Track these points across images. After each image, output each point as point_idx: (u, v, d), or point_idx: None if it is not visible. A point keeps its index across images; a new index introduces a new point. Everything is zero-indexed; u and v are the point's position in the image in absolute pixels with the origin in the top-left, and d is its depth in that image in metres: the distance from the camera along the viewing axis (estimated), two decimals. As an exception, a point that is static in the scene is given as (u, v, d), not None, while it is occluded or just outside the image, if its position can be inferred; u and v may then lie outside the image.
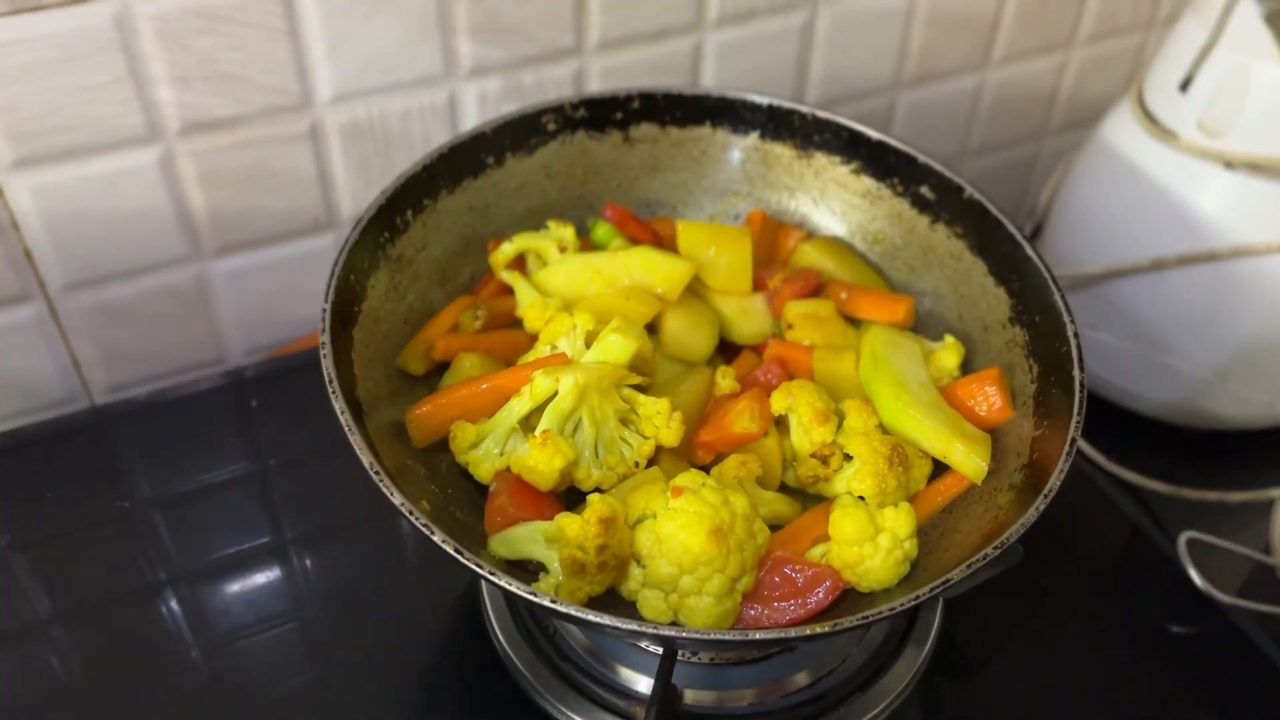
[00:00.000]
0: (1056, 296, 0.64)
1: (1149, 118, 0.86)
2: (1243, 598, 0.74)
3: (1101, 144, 0.91)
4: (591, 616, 0.50)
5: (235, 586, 0.72)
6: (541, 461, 0.58)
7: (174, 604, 0.71)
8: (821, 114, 0.75)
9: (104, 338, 0.85)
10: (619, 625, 0.50)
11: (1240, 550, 0.79)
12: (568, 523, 0.55)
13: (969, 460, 0.62)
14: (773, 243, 0.76)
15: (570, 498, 0.60)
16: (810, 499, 0.63)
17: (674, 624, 0.56)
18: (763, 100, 0.75)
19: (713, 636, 0.54)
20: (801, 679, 0.66)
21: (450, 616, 0.71)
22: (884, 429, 0.63)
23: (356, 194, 0.87)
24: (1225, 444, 0.94)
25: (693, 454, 0.63)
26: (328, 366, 0.58)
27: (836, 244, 0.76)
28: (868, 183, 0.75)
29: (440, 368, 0.68)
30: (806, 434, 0.62)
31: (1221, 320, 0.85)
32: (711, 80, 0.95)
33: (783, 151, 0.77)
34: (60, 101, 0.73)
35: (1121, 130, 0.89)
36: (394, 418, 0.63)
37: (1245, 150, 0.80)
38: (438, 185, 0.70)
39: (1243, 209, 0.82)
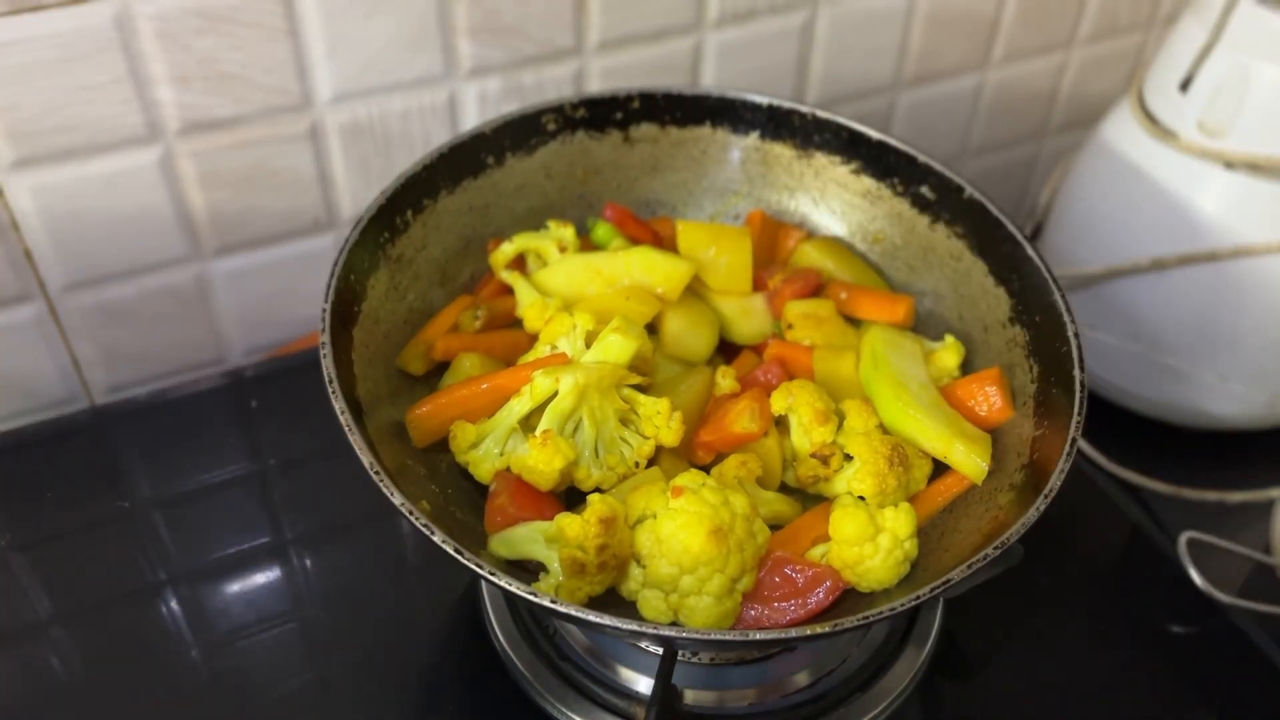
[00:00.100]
0: (1056, 296, 0.64)
1: (1149, 118, 0.86)
2: (1243, 598, 0.74)
3: (1101, 144, 0.91)
4: (591, 616, 0.50)
5: (235, 586, 0.72)
6: (541, 461, 0.58)
7: (174, 604, 0.71)
8: (821, 114, 0.75)
9: (104, 338, 0.85)
10: (619, 625, 0.50)
11: (1240, 550, 0.79)
12: (568, 523, 0.55)
13: (969, 460, 0.62)
14: (773, 243, 0.76)
15: (570, 498, 0.60)
16: (810, 499, 0.63)
17: (674, 624, 0.56)
18: (763, 100, 0.75)
19: (713, 636, 0.54)
20: (801, 679, 0.66)
21: (450, 616, 0.71)
22: (884, 429, 0.63)
23: (356, 194, 0.87)
24: (1225, 444, 0.94)
25: (693, 454, 0.63)
26: (328, 366, 0.58)
27: (836, 244, 0.76)
28: (868, 183, 0.75)
29: (440, 368, 0.67)
30: (806, 434, 0.62)
31: (1221, 320, 0.85)
32: (711, 80, 0.95)
33: (783, 151, 0.77)
34: (60, 101, 0.73)
35: (1121, 130, 0.89)
36: (394, 418, 0.63)
37: (1245, 150, 0.80)
38: (438, 185, 0.70)
39: (1243, 209, 0.82)
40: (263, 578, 0.73)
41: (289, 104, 0.80)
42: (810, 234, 0.77)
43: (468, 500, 0.61)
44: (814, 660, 0.67)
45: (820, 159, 0.76)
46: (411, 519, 0.52)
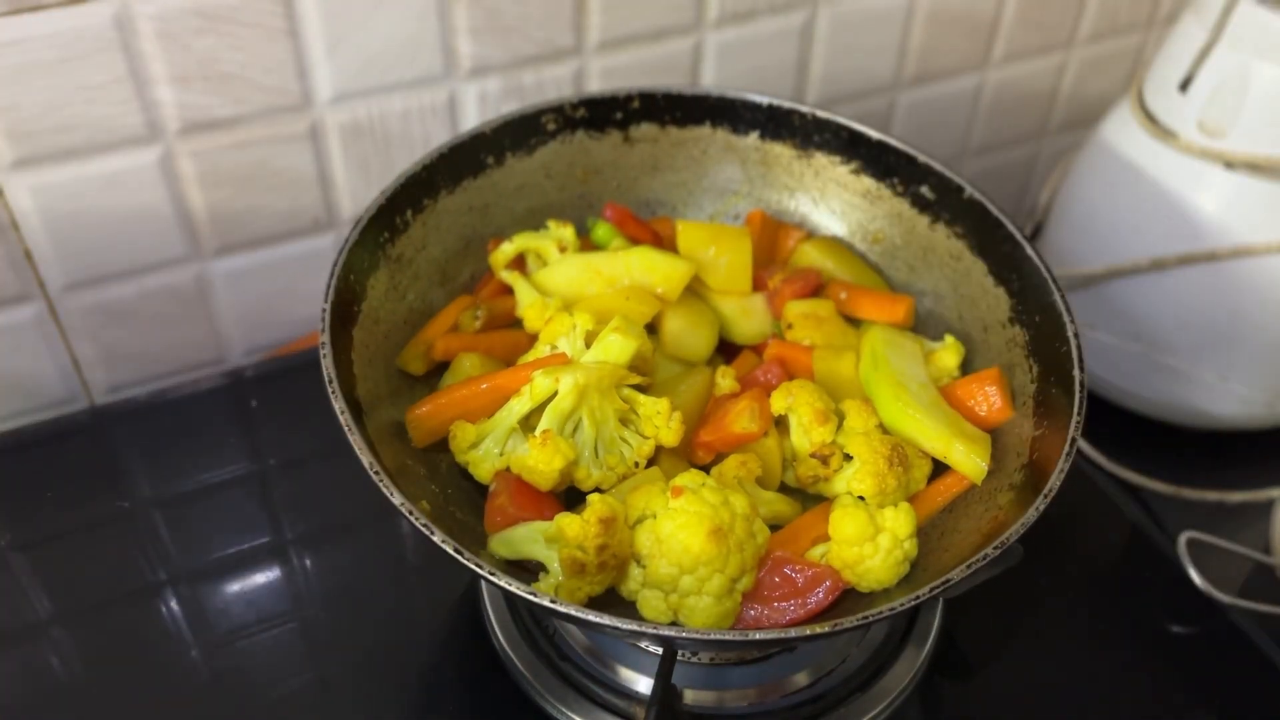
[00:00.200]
0: (1056, 296, 0.64)
1: (1149, 118, 0.86)
2: (1243, 598, 0.74)
3: (1101, 144, 0.91)
4: (591, 616, 0.50)
5: (235, 586, 0.72)
6: (541, 461, 0.58)
7: (174, 604, 0.71)
8: (821, 114, 0.75)
9: (104, 338, 0.85)
10: (619, 625, 0.50)
11: (1240, 550, 0.79)
12: (568, 523, 0.55)
13: (969, 460, 0.62)
14: (773, 243, 0.76)
15: (570, 498, 0.60)
16: (810, 499, 0.63)
17: (674, 624, 0.56)
18: (763, 100, 0.75)
19: (713, 636, 0.54)
20: (801, 679, 0.66)
21: (450, 616, 0.71)
22: (884, 429, 0.63)
23: (356, 194, 0.87)
24: (1225, 444, 0.94)
25: (693, 454, 0.63)
26: (328, 366, 0.58)
27: (836, 244, 0.76)
28: (868, 182, 0.75)
29: (440, 368, 0.67)
30: (806, 434, 0.62)
31: (1221, 320, 0.85)
32: (711, 80, 0.95)
33: (783, 151, 0.77)
34: (60, 101, 0.73)
35: (1121, 130, 0.89)
36: (394, 418, 0.63)
37: (1245, 150, 0.80)
38: (438, 185, 0.70)
39: (1243, 209, 0.82)
40: (263, 578, 0.73)
41: (289, 104, 0.80)
42: (810, 234, 0.77)
43: (468, 500, 0.61)
44: (814, 660, 0.67)
45: (820, 159, 0.76)
46: (411, 519, 0.52)
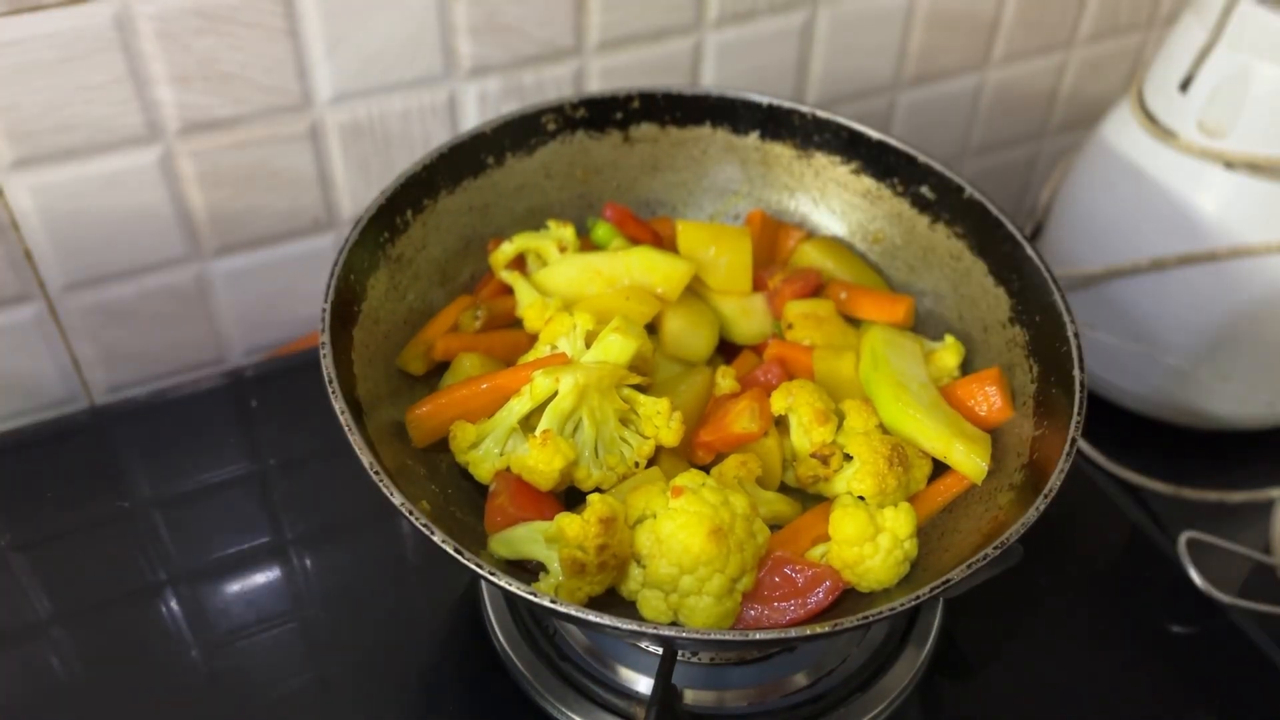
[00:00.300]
0: (1056, 296, 0.64)
1: (1149, 118, 0.86)
2: (1243, 598, 0.74)
3: (1101, 144, 0.91)
4: (591, 616, 0.50)
5: (235, 586, 0.72)
6: (541, 461, 0.58)
7: (174, 604, 0.71)
8: (821, 114, 0.75)
9: (104, 338, 0.85)
10: (619, 625, 0.50)
11: (1240, 550, 0.79)
12: (568, 523, 0.55)
13: (969, 460, 0.62)
14: (773, 243, 0.76)
15: (570, 498, 0.60)
16: (810, 499, 0.63)
17: (674, 624, 0.56)
18: (763, 100, 0.75)
19: (713, 636, 0.54)
20: (801, 679, 0.66)
21: (450, 616, 0.71)
22: (884, 429, 0.63)
23: (356, 194, 0.87)
24: (1225, 444, 0.94)
25: (693, 454, 0.63)
26: (328, 366, 0.58)
27: (836, 244, 0.76)
28: (868, 182, 0.75)
29: (440, 368, 0.67)
30: (806, 434, 0.62)
31: (1221, 320, 0.85)
32: (711, 80, 0.95)
33: (783, 151, 0.77)
34: (60, 101, 0.73)
35: (1121, 130, 0.89)
36: (394, 418, 0.63)
37: (1245, 150, 0.80)
38: (438, 185, 0.70)
39: (1243, 209, 0.82)
40: (263, 578, 0.73)
41: (289, 104, 0.80)
42: (810, 234, 0.77)
43: (468, 500, 0.61)
44: (814, 660, 0.67)
45: (820, 159, 0.76)
46: (411, 519, 0.52)
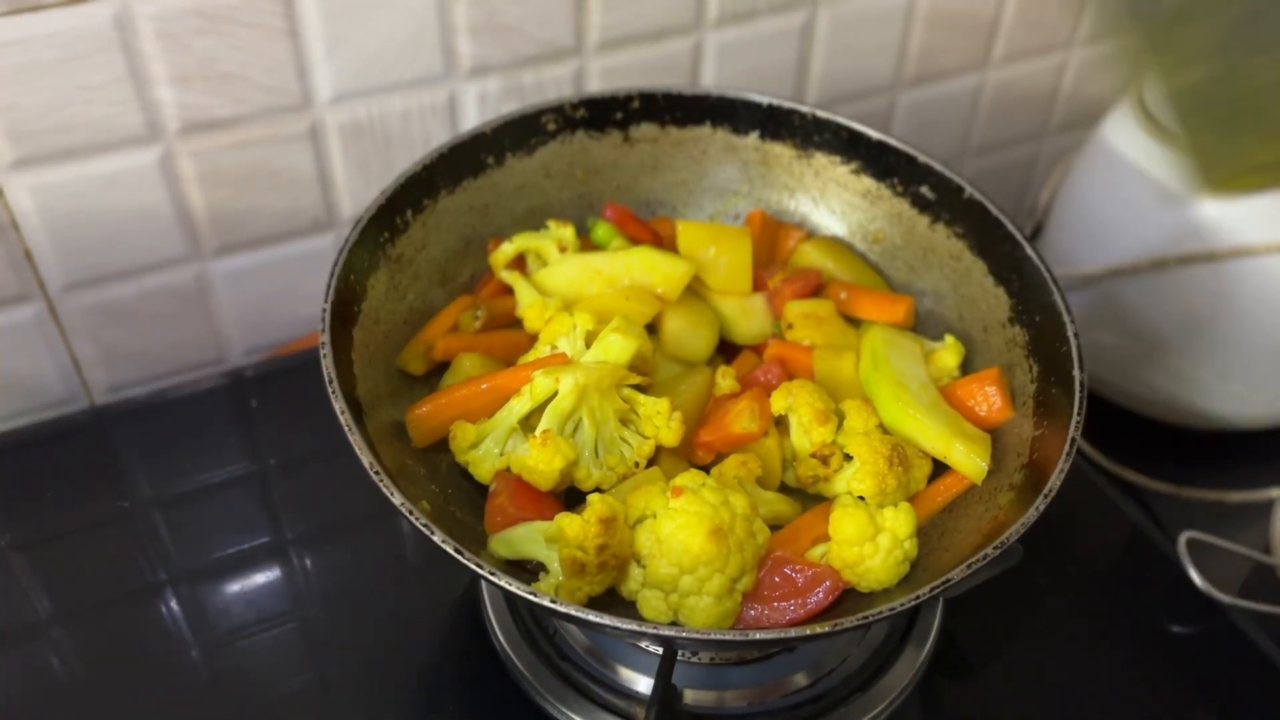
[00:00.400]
0: (1056, 296, 0.64)
1: (1149, 118, 0.86)
2: (1243, 598, 0.74)
3: (1101, 144, 0.91)
4: (591, 616, 0.50)
5: (235, 586, 0.72)
6: (541, 461, 0.58)
7: (174, 604, 0.71)
8: (821, 114, 0.75)
9: (104, 338, 0.85)
10: (619, 625, 0.50)
11: (1240, 550, 0.79)
12: (568, 523, 0.55)
13: (969, 460, 0.62)
14: (773, 243, 0.76)
15: (570, 498, 0.60)
16: (810, 499, 0.63)
17: (674, 624, 0.56)
18: (762, 100, 0.75)
19: (713, 636, 0.54)
20: (801, 679, 0.66)
21: (450, 616, 0.71)
22: (884, 429, 0.63)
23: (356, 194, 0.87)
24: (1225, 444, 0.94)
25: (693, 454, 0.63)
26: (328, 366, 0.58)
27: (836, 244, 0.76)
28: (868, 182, 0.75)
29: (440, 368, 0.67)
30: (806, 434, 0.62)
31: (1221, 320, 0.85)
32: (711, 80, 0.95)
33: (783, 151, 0.77)
34: (60, 101, 0.73)
35: (1121, 130, 0.89)
36: (394, 418, 0.63)
37: (1245, 150, 0.80)
38: (438, 185, 0.70)
39: (1243, 209, 0.81)
40: (263, 578, 0.73)
41: (289, 104, 0.80)
42: (810, 234, 0.77)
43: (468, 500, 0.61)
44: (814, 660, 0.67)
45: (820, 159, 0.76)
46: (411, 519, 0.52)
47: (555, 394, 0.60)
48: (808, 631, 0.51)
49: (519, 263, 0.73)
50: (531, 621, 0.68)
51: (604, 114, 0.75)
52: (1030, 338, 0.66)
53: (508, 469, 0.60)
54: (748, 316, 0.71)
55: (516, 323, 0.69)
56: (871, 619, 0.51)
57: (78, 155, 0.75)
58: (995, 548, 0.53)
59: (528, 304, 0.68)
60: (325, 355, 0.58)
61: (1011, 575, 0.60)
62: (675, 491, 0.56)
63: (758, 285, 0.72)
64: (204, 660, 0.68)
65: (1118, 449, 0.90)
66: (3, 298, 0.79)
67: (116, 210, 0.79)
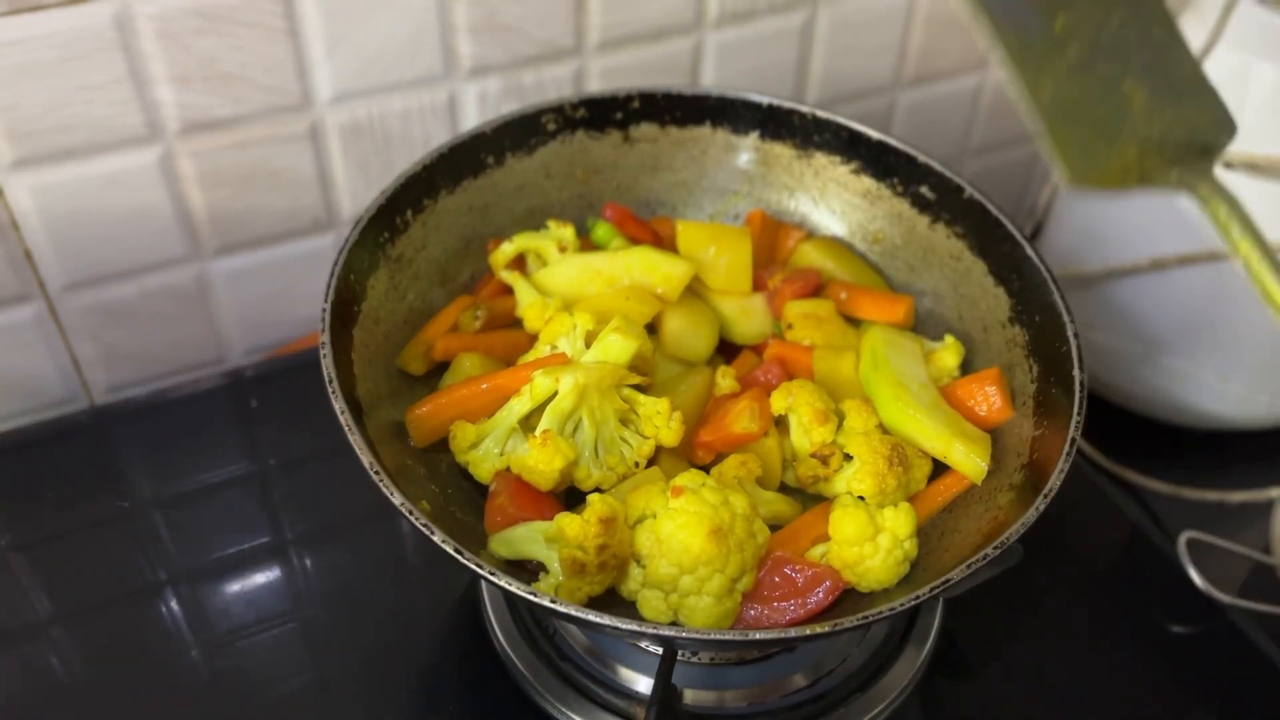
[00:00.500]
0: (1056, 296, 0.64)
1: (1149, 118, 0.86)
2: (1243, 598, 0.74)
3: (1101, 144, 0.91)
4: (591, 616, 0.50)
5: (235, 586, 0.72)
6: (541, 461, 0.58)
7: (174, 604, 0.71)
8: (821, 114, 0.75)
9: (104, 338, 0.85)
10: (619, 625, 0.50)
11: (1240, 550, 0.79)
12: (568, 523, 0.55)
13: (969, 460, 0.62)
14: (773, 243, 0.76)
15: (570, 498, 0.60)
16: (810, 499, 0.63)
17: (674, 624, 0.56)
18: (762, 100, 0.75)
19: (713, 636, 0.54)
20: (801, 679, 0.66)
21: (450, 616, 0.71)
22: (884, 429, 0.63)
23: (356, 194, 0.87)
24: (1225, 444, 0.94)
25: (693, 454, 0.63)
26: (328, 366, 0.58)
27: (836, 244, 0.76)
28: (867, 182, 0.75)
29: (440, 368, 0.68)
30: (806, 434, 0.62)
31: (1221, 320, 0.85)
32: (711, 80, 0.95)
33: (783, 151, 0.77)
34: (60, 101, 0.73)
35: (1121, 130, 0.89)
36: (394, 418, 0.63)
37: (1245, 150, 0.80)
38: (438, 185, 0.70)
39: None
40: (263, 578, 0.73)
41: (289, 104, 0.80)
42: (810, 234, 0.77)
43: (468, 500, 0.61)
44: (814, 660, 0.67)
45: (820, 159, 0.76)
46: (411, 519, 0.52)
47: (555, 394, 0.60)
48: (808, 631, 0.51)
49: (519, 263, 0.73)
50: (531, 621, 0.68)
51: (604, 114, 0.75)
52: (1030, 338, 0.66)
53: (508, 469, 0.60)
54: (748, 316, 0.71)
55: (516, 323, 0.69)
56: (871, 619, 0.51)
57: (78, 155, 0.75)
58: (995, 548, 0.53)
59: (528, 304, 0.68)
60: (325, 355, 0.58)
61: (1011, 575, 0.60)
62: (675, 491, 0.56)
63: (758, 285, 0.72)
64: (204, 660, 0.68)
65: (1118, 449, 0.90)
66: (3, 298, 0.79)
67: (116, 210, 0.79)
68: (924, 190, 0.73)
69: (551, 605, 0.50)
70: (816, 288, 0.72)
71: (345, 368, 0.60)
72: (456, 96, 0.85)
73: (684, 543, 0.54)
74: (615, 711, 0.64)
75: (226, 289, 0.87)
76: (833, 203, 0.77)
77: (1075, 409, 0.59)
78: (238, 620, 0.70)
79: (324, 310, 0.60)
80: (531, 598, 0.50)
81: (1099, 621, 0.73)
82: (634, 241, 0.73)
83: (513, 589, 0.51)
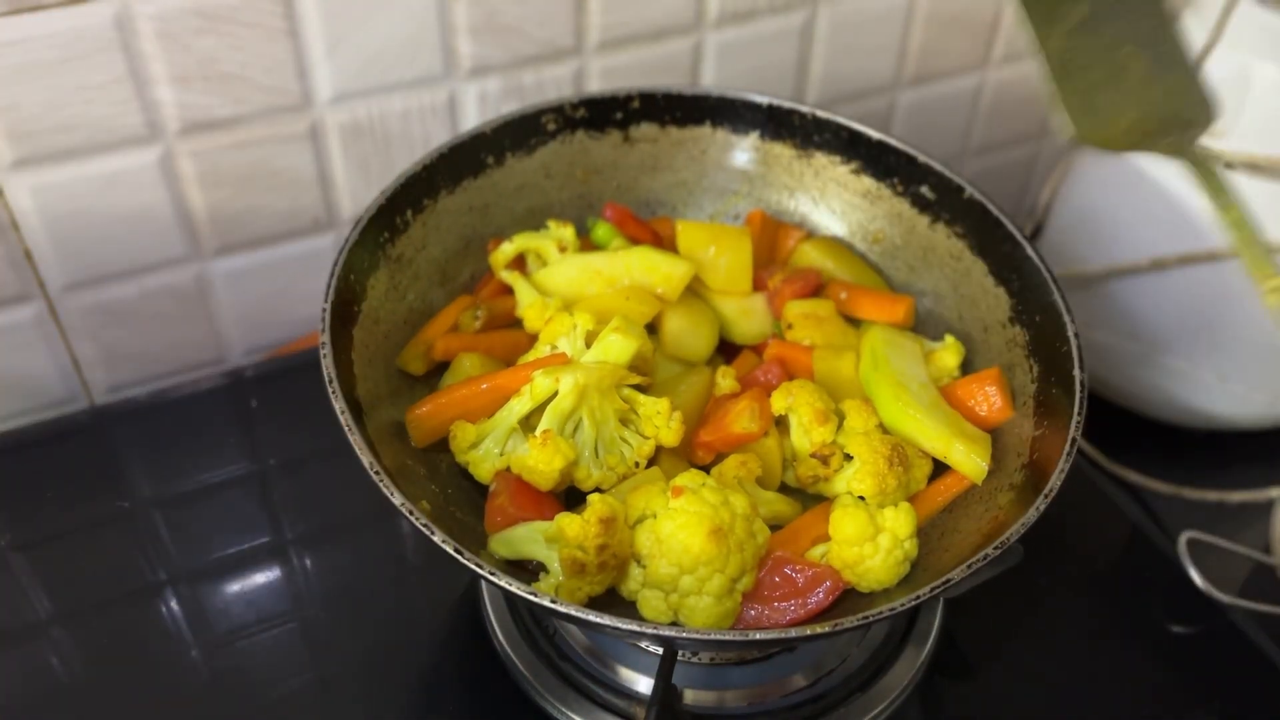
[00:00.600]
0: (1056, 296, 0.64)
1: (1149, 118, 0.86)
2: (1243, 598, 0.74)
3: (1101, 144, 0.91)
4: (591, 616, 0.50)
5: (235, 586, 0.72)
6: (541, 461, 0.58)
7: (174, 604, 0.71)
8: (821, 114, 0.75)
9: (104, 338, 0.85)
10: (619, 625, 0.50)
11: (1240, 550, 0.79)
12: (568, 523, 0.55)
13: (969, 460, 0.62)
14: (773, 243, 0.76)
15: (570, 498, 0.60)
16: (810, 499, 0.63)
17: (674, 624, 0.56)
18: (762, 100, 0.75)
19: (713, 636, 0.54)
20: (801, 679, 0.66)
21: (450, 616, 0.71)
22: (884, 429, 0.63)
23: (356, 194, 0.87)
24: (1225, 444, 0.94)
25: (693, 454, 0.63)
26: (328, 366, 0.58)
27: (836, 244, 0.76)
28: (868, 182, 0.75)
29: (440, 368, 0.67)
30: (806, 434, 0.62)
31: (1221, 320, 0.85)
32: (711, 80, 0.95)
33: (783, 151, 0.77)
34: (60, 101, 0.73)
35: (1121, 130, 0.89)
36: (394, 418, 0.63)
37: (1245, 150, 0.80)
38: (438, 185, 0.70)
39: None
40: (263, 578, 0.73)
41: (289, 104, 0.80)
42: (810, 234, 0.77)
43: (468, 500, 0.61)
44: (814, 660, 0.67)
45: (820, 159, 0.76)
46: (411, 519, 0.52)
47: (555, 394, 0.60)
48: (808, 631, 0.51)
49: (519, 263, 0.73)
50: (531, 621, 0.68)
51: (604, 114, 0.75)
52: (1030, 338, 0.66)
53: (508, 469, 0.60)
54: (748, 316, 0.71)
55: (516, 323, 0.69)
56: (871, 619, 0.51)
57: (78, 155, 0.75)
58: (995, 548, 0.53)
59: (528, 304, 0.68)
60: (325, 355, 0.58)
61: (1011, 575, 0.60)
62: (675, 491, 0.56)
63: (758, 285, 0.72)
64: (204, 660, 0.68)
65: (1118, 449, 0.90)
66: (3, 298, 0.79)
67: (116, 210, 0.79)
68: (924, 190, 0.73)
69: (551, 605, 0.50)
70: (816, 288, 0.72)
71: (345, 368, 0.60)
72: (456, 96, 0.85)
73: (684, 543, 0.54)
74: (615, 711, 0.64)
75: (226, 289, 0.87)
76: (833, 203, 0.77)
77: (1075, 409, 0.59)
78: (238, 620, 0.70)
79: (324, 310, 0.60)
80: (531, 598, 0.50)
81: (1099, 621, 0.73)
82: (634, 241, 0.73)
83: (513, 589, 0.51)
